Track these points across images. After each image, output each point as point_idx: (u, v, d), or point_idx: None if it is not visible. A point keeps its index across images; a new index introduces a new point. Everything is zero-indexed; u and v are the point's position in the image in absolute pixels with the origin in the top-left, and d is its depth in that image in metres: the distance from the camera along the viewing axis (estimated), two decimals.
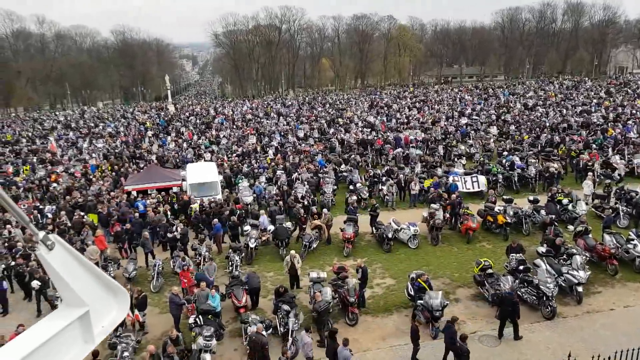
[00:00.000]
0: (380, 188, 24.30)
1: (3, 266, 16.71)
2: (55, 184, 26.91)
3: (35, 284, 14.92)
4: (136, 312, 14.00)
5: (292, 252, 16.11)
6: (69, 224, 19.95)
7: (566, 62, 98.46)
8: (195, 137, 39.72)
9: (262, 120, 47.97)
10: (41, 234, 2.64)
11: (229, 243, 19.27)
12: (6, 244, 18.61)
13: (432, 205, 20.88)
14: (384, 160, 30.28)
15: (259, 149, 34.05)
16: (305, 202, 21.41)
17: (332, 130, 39.23)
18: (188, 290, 15.63)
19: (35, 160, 34.08)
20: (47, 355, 2.46)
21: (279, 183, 25.25)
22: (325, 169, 27.27)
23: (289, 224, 19.69)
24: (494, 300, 13.74)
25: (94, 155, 34.50)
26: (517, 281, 14.09)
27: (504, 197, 22.00)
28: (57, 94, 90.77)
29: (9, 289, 16.37)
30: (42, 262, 2.58)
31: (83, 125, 50.80)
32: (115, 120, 53.73)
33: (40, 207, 23.17)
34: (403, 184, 23.97)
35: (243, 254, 18.13)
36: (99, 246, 18.00)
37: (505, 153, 28.50)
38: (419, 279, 14.20)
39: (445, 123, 40.14)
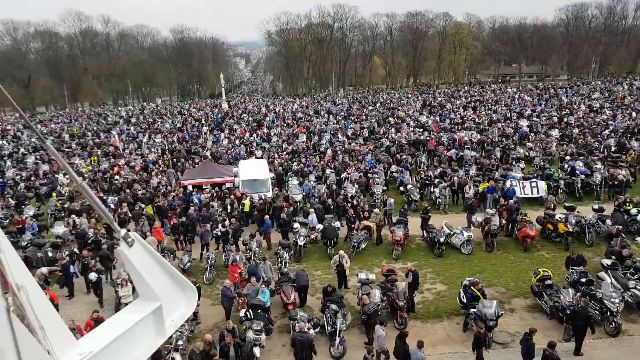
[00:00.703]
0: (432, 190, 23.81)
1: (67, 252, 17.76)
2: (117, 177, 28.28)
3: (93, 276, 15.62)
4: None
5: (341, 252, 16.07)
6: (130, 215, 20.84)
7: (637, 61, 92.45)
8: (247, 135, 40.49)
9: (312, 118, 48.20)
10: (122, 231, 2.78)
11: (278, 240, 19.50)
12: (73, 232, 19.71)
13: (488, 210, 20.29)
14: (436, 161, 29.60)
15: (308, 147, 34.25)
16: (354, 202, 21.29)
17: (382, 130, 38.84)
18: (239, 284, 15.98)
19: (99, 153, 35.96)
20: (124, 345, 2.57)
21: (327, 182, 25.31)
22: (375, 169, 27.04)
23: (337, 224, 19.67)
24: (552, 312, 13.14)
25: (152, 149, 35.94)
26: (578, 294, 13.38)
27: (566, 204, 20.97)
28: (119, 91, 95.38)
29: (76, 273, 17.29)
30: (122, 257, 2.79)
31: (143, 121, 53.03)
32: (173, 117, 55.71)
33: (104, 198, 24.38)
34: (456, 187, 23.33)
35: (292, 252, 18.33)
36: (156, 237, 18.71)
37: (567, 158, 27.14)
38: (472, 287, 13.78)
39: (503, 124, 38.75)
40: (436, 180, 24.27)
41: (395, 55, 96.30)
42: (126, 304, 14.96)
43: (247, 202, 22.17)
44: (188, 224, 20.31)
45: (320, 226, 19.70)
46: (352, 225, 19.82)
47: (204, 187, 24.59)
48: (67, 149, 38.78)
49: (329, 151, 31.66)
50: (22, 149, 39.70)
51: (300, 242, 18.69)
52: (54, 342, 2.16)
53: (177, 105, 73.86)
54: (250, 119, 50.30)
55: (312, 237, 19.68)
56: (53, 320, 2.30)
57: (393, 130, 38.24)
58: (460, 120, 41.50)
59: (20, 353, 1.18)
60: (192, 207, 21.16)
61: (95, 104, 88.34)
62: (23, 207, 24.25)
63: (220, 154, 32.56)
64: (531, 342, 10.88)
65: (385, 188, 24.37)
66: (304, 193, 24.00)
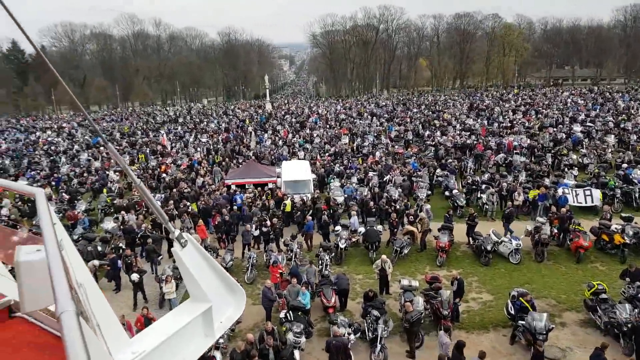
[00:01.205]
0: (479, 196, 23.07)
1: (113, 246, 18.36)
2: (164, 175, 29.06)
3: (135, 277, 15.97)
4: None
5: (384, 256, 15.79)
6: (176, 213, 21.32)
7: None
8: (290, 135, 40.71)
9: (355, 120, 47.92)
10: (176, 231, 2.75)
11: (319, 242, 19.40)
12: (122, 227, 20.36)
13: (539, 218, 19.47)
14: (483, 166, 28.69)
15: (352, 149, 34.06)
16: (398, 206, 20.90)
17: (427, 133, 38.10)
18: (280, 285, 16.00)
19: (148, 151, 37.13)
20: (175, 345, 2.56)
21: (370, 185, 25.03)
22: (419, 173, 26.51)
23: (380, 227, 19.37)
24: (607, 328, 12.38)
25: (198, 149, 36.74)
26: (636, 310, 12.53)
27: (622, 214, 19.75)
28: (167, 91, 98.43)
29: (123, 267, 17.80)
30: (175, 257, 2.82)
31: (189, 121, 54.39)
32: (218, 117, 56.84)
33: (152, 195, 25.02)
34: (505, 193, 22.49)
35: (333, 254, 18.19)
36: (200, 235, 19.03)
37: (624, 165, 25.66)
38: (521, 298, 13.19)
39: (555, 129, 37.14)
40: (483, 186, 23.48)
41: (441, 57, 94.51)
42: (170, 300, 15.30)
43: (288, 202, 22.23)
44: (230, 223, 20.62)
45: (362, 229, 19.48)
46: (395, 230, 19.49)
47: (247, 186, 24.86)
48: (117, 147, 40.26)
49: (378, 153, 31.25)
50: (76, 146, 41.51)
51: (342, 245, 18.54)
52: (109, 339, 2.13)
53: (222, 106, 75.38)
54: (293, 120, 50.60)
55: (354, 240, 19.47)
56: (108, 317, 2.31)
57: (438, 133, 37.42)
58: (509, 124, 40.11)
59: (90, 356, 1.10)
60: (234, 206, 21.42)
61: (145, 103, 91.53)
62: (75, 202, 25.29)
63: (264, 155, 32.88)
64: (603, 357, 10.28)
65: (429, 192, 23.83)
66: (346, 195, 23.82)
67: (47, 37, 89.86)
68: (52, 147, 40.98)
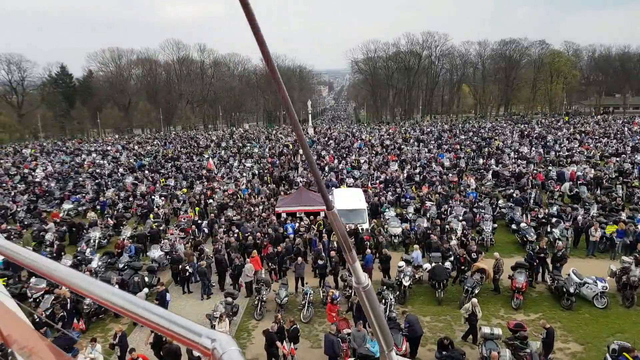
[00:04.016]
0: (549, 230, 21.04)
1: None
2: (210, 200, 28.28)
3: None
4: (291, 345, 13.23)
5: (474, 300, 14.06)
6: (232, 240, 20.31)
7: None
8: (335, 161, 39.61)
9: (401, 146, 46.47)
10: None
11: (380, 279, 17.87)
12: (169, 257, 19.50)
13: (625, 258, 17.40)
14: (547, 197, 26.60)
15: (402, 176, 32.54)
16: (465, 240, 19.20)
17: (481, 161, 36.25)
18: (338, 324, 14.56)
19: (193, 175, 36.70)
20: None
21: (428, 215, 23.45)
22: (480, 204, 24.73)
23: (447, 264, 17.69)
24: None
25: (244, 174, 36.04)
26: None
27: None
28: (209, 115, 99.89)
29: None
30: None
31: (232, 145, 54.19)
32: (260, 142, 56.54)
33: (199, 222, 24.22)
34: (580, 229, 20.42)
35: (397, 292, 16.62)
36: (254, 266, 17.90)
37: None
38: (625, 354, 11.28)
39: (618, 159, 34.65)
40: (554, 219, 21.46)
41: (485, 83, 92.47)
42: None
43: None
44: (284, 254, 19.39)
45: (427, 265, 17.85)
46: (463, 267, 17.76)
47: (298, 215, 23.69)
48: (162, 171, 40.06)
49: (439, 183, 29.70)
50: (120, 169, 41.58)
51: (406, 283, 16.95)
52: None
53: (264, 131, 75.49)
54: (336, 145, 49.62)
55: (417, 276, 17.85)
56: None
57: (493, 161, 35.49)
58: (567, 153, 37.77)
59: None
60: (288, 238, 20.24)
61: (188, 127, 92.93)
62: (121, 227, 24.67)
63: (310, 181, 31.80)
64: None
65: (494, 225, 21.98)
66: (404, 227, 22.28)
67: (94, 62, 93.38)
68: (97, 170, 41.18)
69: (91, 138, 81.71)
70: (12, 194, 32.93)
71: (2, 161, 48.64)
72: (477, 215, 22.83)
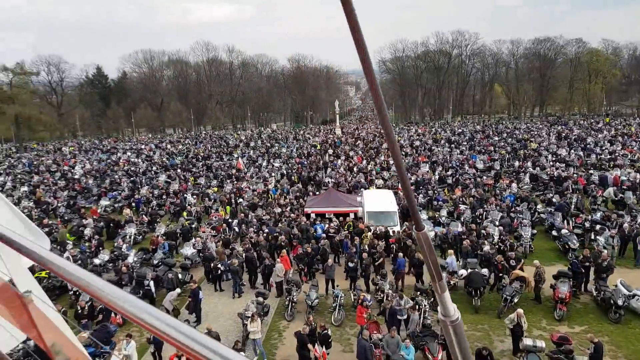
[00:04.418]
0: (592, 238, 20.15)
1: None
2: (240, 199, 28.37)
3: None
4: (323, 349, 13.01)
5: (520, 310, 13.52)
6: (261, 239, 20.26)
7: None
8: (364, 162, 39.22)
9: (432, 147, 45.67)
10: None
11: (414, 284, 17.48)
12: (201, 255, 19.59)
13: None
14: (590, 202, 25.55)
15: (433, 178, 31.91)
16: (502, 246, 18.57)
17: (517, 163, 35.22)
18: (367, 327, 14.28)
19: (223, 174, 36.96)
20: None
21: (462, 219, 22.84)
22: (517, 208, 23.94)
23: (485, 270, 17.12)
24: None
25: (272, 174, 36.07)
26: None
27: None
28: (238, 115, 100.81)
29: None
30: None
31: (261, 145, 54.44)
32: (288, 142, 56.60)
33: (229, 220, 24.31)
34: (627, 237, 19.46)
35: (432, 299, 16.16)
36: (284, 266, 17.79)
37: None
38: None
39: None
40: (597, 226, 20.53)
41: (519, 83, 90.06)
42: (254, 340, 13.94)
43: (369, 235, 20.57)
44: (313, 255, 19.20)
45: (463, 271, 17.32)
46: (501, 274, 17.14)
47: (327, 216, 23.47)
48: (194, 170, 40.51)
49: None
50: (154, 168, 42.26)
51: None
52: None
53: (291, 131, 75.64)
54: (364, 146, 49.19)
55: (452, 282, 17.33)
56: None
57: (529, 163, 34.42)
58: (609, 156, 36.28)
59: None
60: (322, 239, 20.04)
61: (217, 127, 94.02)
62: (155, 224, 25.01)
63: (339, 182, 31.51)
64: None
65: (534, 231, 21.19)
66: (437, 231, 21.77)
67: (128, 63, 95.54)
68: (132, 168, 41.98)
69: (126, 137, 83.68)
70: (53, 190, 33.91)
71: (43, 158, 50.25)
72: (515, 221, 22.09)
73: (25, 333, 1.87)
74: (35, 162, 47.32)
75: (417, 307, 14.94)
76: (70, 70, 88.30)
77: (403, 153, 43.50)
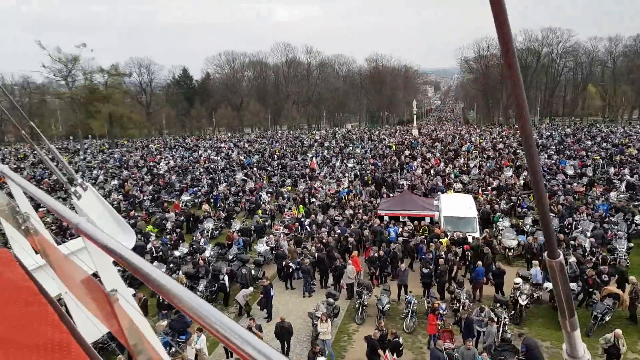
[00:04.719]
0: None
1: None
2: (313, 199, 28.50)
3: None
4: (394, 356, 12.59)
5: (618, 330, 12.30)
6: (330, 240, 20.17)
7: None
8: (442, 165, 37.89)
9: (517, 151, 43.13)
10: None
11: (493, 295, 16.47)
12: (274, 252, 19.90)
13: None
14: None
15: (518, 184, 30.04)
16: (594, 259, 16.99)
17: (612, 170, 32.26)
18: (440, 335, 13.66)
19: (297, 174, 37.42)
20: None
21: None
22: (611, 219, 21.85)
23: (573, 285, 15.74)
24: None
25: (346, 174, 35.92)
26: None
27: None
28: (313, 115, 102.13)
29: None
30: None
31: (335, 145, 54.54)
32: (362, 142, 56.17)
33: (302, 219, 24.48)
34: None
35: (512, 311, 15.17)
36: (355, 267, 17.55)
37: None
38: None
39: None
40: None
41: (617, 83, 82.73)
42: (324, 340, 13.81)
43: (445, 241, 19.73)
44: (385, 259, 18.75)
45: (548, 284, 16.05)
46: (591, 290, 15.67)
47: (401, 219, 22.87)
48: (269, 168, 41.42)
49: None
50: (232, 166, 43.73)
51: (522, 302, 15.37)
52: None
53: (366, 131, 75.16)
54: (442, 147, 47.57)
55: (536, 295, 16.13)
56: None
57: (626, 170, 31.40)
58: None
59: None
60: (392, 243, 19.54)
61: (293, 127, 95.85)
62: (231, 220, 25.81)
63: (415, 184, 30.65)
64: None
65: (630, 245, 19.22)
66: (520, 240, 20.45)
67: (212, 65, 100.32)
68: (212, 166, 43.77)
69: (207, 135, 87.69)
70: (140, 184, 36.22)
71: (132, 154, 53.95)
72: (609, 232, 20.16)
73: (108, 329, 1.89)
74: (124, 158, 50.69)
75: (496, 319, 14.09)
76: (159, 72, 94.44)
77: (485, 156, 41.56)
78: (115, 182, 36.73)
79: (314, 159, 41.28)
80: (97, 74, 69.25)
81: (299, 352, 14.38)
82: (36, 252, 3.15)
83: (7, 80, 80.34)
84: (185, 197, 31.27)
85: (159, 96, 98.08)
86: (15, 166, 45.41)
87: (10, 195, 3.18)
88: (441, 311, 14.49)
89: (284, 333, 13.80)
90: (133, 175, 39.95)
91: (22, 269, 2.78)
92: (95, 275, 1.84)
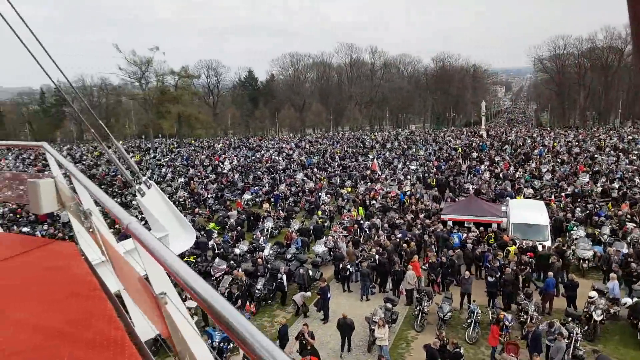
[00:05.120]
0: None
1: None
2: (373, 201, 28.07)
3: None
4: None
5: None
6: (387, 244, 19.75)
7: None
8: (511, 169, 36.05)
9: (594, 155, 40.23)
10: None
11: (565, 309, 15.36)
12: (332, 254, 19.75)
13: None
14: None
15: (595, 191, 27.94)
16: None
17: None
18: (505, 348, 12.93)
19: (357, 175, 37.08)
20: None
21: (629, 239, 19.53)
22: None
23: None
24: None
25: (407, 177, 35.13)
26: None
27: None
28: (376, 116, 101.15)
29: None
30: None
31: (397, 147, 53.55)
32: (427, 144, 54.74)
33: (361, 221, 24.18)
34: None
35: (586, 327, 14.06)
36: (415, 272, 17.03)
37: None
38: None
39: None
40: None
41: None
42: (380, 346, 13.47)
43: (513, 249, 18.66)
44: (448, 265, 18.03)
45: (627, 300, 14.73)
46: None
47: (466, 224, 21.94)
48: (329, 169, 41.36)
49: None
50: (293, 166, 44.18)
51: (597, 317, 14.21)
52: None
53: (431, 133, 73.33)
54: (512, 151, 45.33)
55: (613, 311, 14.84)
56: None
57: None
58: None
59: None
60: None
61: (355, 128, 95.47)
62: (291, 220, 25.98)
63: (481, 189, 29.35)
64: None
65: None
66: (596, 250, 18.96)
67: (276, 66, 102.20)
68: (273, 166, 44.42)
69: (269, 136, 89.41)
70: (205, 182, 37.46)
71: (198, 153, 56.05)
72: None
73: (157, 329, 1.97)
74: (191, 157, 52.71)
75: (568, 334, 13.10)
76: (226, 74, 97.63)
77: (559, 160, 39.11)
78: (181, 180, 38.19)
79: (375, 160, 40.75)
80: (168, 75, 72.58)
81: (354, 356, 14.15)
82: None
83: (87, 81, 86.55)
84: (247, 196, 31.92)
85: (225, 97, 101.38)
86: (92, 163, 48.61)
87: (74, 191, 3.21)
88: (507, 322, 13.76)
89: (345, 328, 14.05)
90: (198, 174, 41.36)
91: (85, 263, 2.88)
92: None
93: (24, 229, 24.01)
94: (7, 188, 4.43)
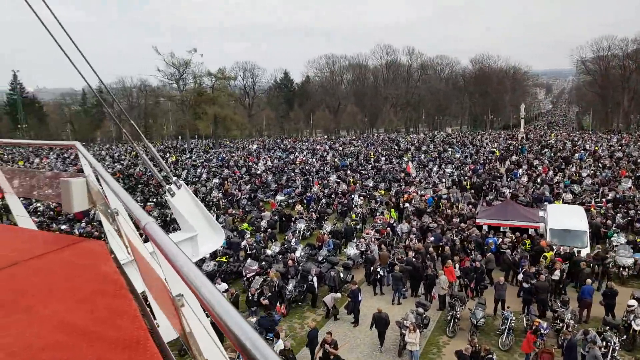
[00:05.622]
0: None
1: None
2: (407, 204, 27.85)
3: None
4: None
5: None
6: (420, 247, 19.62)
7: None
8: (550, 173, 35.01)
9: (638, 160, 38.59)
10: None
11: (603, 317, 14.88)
12: (364, 256, 19.76)
13: None
14: None
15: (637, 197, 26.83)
16: None
17: None
18: (539, 357, 12.63)
19: (391, 177, 36.83)
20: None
21: None
22: None
23: None
24: None
25: (443, 180, 34.67)
26: None
27: None
28: (412, 118, 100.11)
29: None
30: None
31: (433, 149, 52.87)
32: (463, 147, 53.81)
33: (394, 224, 24.07)
34: None
35: (624, 336, 13.61)
36: (448, 277, 16.81)
37: None
38: None
39: None
40: None
41: None
42: (411, 351, 13.40)
43: (549, 255, 18.16)
44: (482, 270, 17.74)
45: None
46: None
47: (501, 229, 21.52)
48: (362, 172, 41.24)
49: None
50: (326, 168, 44.22)
51: (637, 327, 13.73)
52: None
53: (467, 135, 72.00)
54: (553, 155, 44.00)
55: None
56: None
57: None
58: None
59: None
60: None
61: (390, 130, 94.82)
62: (323, 222, 26.06)
63: (518, 193, 28.65)
64: None
65: None
66: (637, 258, 18.27)
67: (312, 68, 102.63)
68: (307, 167, 44.61)
69: (304, 137, 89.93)
70: (239, 183, 38.01)
71: (233, 154, 56.93)
72: None
73: (176, 331, 2.00)
74: (226, 157, 53.52)
75: (604, 343, 12.72)
76: (262, 75, 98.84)
77: (600, 165, 37.72)
78: (216, 180, 38.85)
79: (409, 162, 40.39)
80: (205, 77, 74.02)
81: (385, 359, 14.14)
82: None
83: (127, 83, 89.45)
84: (279, 197, 32.19)
85: (261, 98, 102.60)
86: (130, 162, 50.13)
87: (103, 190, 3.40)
88: (542, 330, 13.45)
89: (380, 322, 14.26)
90: (233, 175, 41.95)
91: (114, 262, 2.93)
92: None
93: (63, 227, 24.94)
94: (47, 186, 4.61)
